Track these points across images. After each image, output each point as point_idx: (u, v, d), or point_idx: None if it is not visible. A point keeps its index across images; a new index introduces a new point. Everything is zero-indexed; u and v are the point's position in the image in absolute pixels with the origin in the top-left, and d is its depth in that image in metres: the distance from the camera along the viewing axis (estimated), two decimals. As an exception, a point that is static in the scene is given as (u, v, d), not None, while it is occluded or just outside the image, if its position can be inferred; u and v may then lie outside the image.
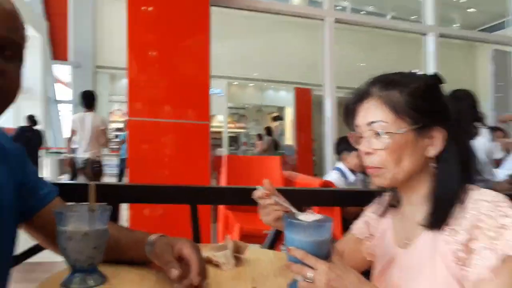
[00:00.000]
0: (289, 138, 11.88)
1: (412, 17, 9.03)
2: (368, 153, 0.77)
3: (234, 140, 13.03)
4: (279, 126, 13.07)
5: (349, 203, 1.39)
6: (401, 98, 0.75)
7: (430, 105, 0.76)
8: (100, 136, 4.43)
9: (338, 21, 3.16)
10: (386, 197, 0.90)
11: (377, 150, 0.76)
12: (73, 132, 4.45)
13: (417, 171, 0.76)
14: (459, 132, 0.76)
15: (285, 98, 11.73)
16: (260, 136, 8.06)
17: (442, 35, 3.43)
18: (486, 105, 4.35)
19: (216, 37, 2.76)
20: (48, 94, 9.27)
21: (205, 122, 2.68)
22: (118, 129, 10.57)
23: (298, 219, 0.71)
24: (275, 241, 1.15)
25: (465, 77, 10.15)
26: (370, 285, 0.67)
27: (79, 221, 0.69)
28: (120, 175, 7.83)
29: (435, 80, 0.79)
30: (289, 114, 11.81)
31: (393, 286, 0.79)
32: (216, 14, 2.76)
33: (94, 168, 4.41)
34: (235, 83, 10.88)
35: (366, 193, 1.03)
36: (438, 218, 0.72)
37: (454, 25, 9.74)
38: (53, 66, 9.85)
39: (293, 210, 0.80)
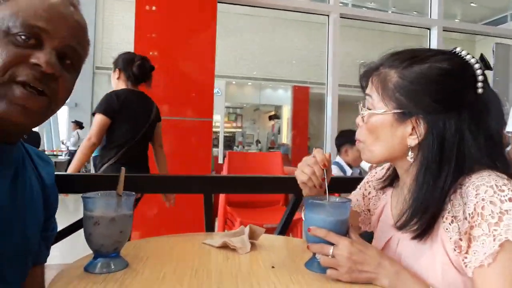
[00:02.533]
0: (285, 136, 11.96)
1: (414, 13, 9.12)
2: (357, 125, 0.80)
3: (230, 139, 13.07)
4: (276, 125, 13.13)
5: (343, 190, 1.38)
6: (393, 79, 0.73)
7: (422, 93, 0.70)
8: None
9: (343, 16, 3.21)
10: (386, 172, 0.90)
11: (361, 124, 0.79)
12: None
13: (399, 157, 0.75)
14: (448, 126, 0.69)
15: (283, 97, 11.80)
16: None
17: (446, 29, 3.49)
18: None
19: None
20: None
21: (209, 119, 2.71)
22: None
23: (319, 200, 0.75)
24: (286, 229, 1.18)
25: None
26: (389, 259, 0.70)
27: (106, 206, 0.72)
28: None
29: (453, 65, 0.71)
30: (286, 113, 11.87)
31: None
32: (214, 13, 2.79)
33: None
34: (233, 82, 10.92)
35: (358, 180, 1.04)
36: (418, 230, 0.69)
37: (456, 20, 9.84)
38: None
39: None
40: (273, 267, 0.78)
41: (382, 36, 10.26)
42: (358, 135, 0.80)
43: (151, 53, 2.64)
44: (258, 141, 13.09)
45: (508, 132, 2.32)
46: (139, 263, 0.77)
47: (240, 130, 13.71)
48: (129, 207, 0.75)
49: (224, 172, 2.86)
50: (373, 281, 0.68)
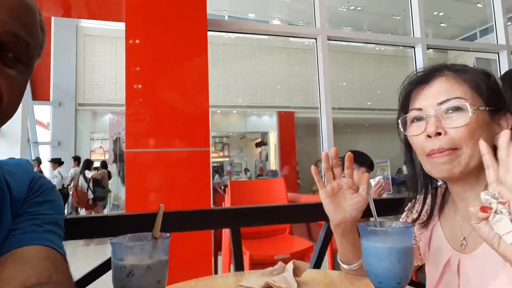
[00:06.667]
0: (273, 163, 11.86)
1: (388, 34, 9.46)
2: (438, 134, 0.70)
3: (218, 169, 12.89)
4: (263, 151, 13.08)
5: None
6: (477, 77, 0.71)
7: (498, 89, 0.72)
8: None
9: (330, 38, 3.21)
10: (423, 204, 0.83)
11: (452, 129, 0.69)
12: None
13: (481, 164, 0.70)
14: None
15: (269, 123, 11.83)
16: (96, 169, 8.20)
17: (429, 47, 3.57)
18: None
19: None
20: (27, 135, 9.02)
21: (206, 148, 2.62)
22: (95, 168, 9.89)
23: (381, 227, 0.66)
24: (321, 261, 1.08)
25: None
26: None
27: (141, 252, 0.61)
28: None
29: None
30: (273, 139, 11.86)
31: None
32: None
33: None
34: (218, 111, 10.92)
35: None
36: None
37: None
38: (33, 106, 9.64)
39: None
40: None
41: (358, 58, 10.57)
42: (449, 143, 0.68)
43: (138, 86, 2.57)
44: (246, 169, 12.94)
45: None
46: (178, 317, 0.66)
47: (227, 159, 13.56)
48: (166, 251, 0.65)
49: (227, 203, 2.74)
50: None
